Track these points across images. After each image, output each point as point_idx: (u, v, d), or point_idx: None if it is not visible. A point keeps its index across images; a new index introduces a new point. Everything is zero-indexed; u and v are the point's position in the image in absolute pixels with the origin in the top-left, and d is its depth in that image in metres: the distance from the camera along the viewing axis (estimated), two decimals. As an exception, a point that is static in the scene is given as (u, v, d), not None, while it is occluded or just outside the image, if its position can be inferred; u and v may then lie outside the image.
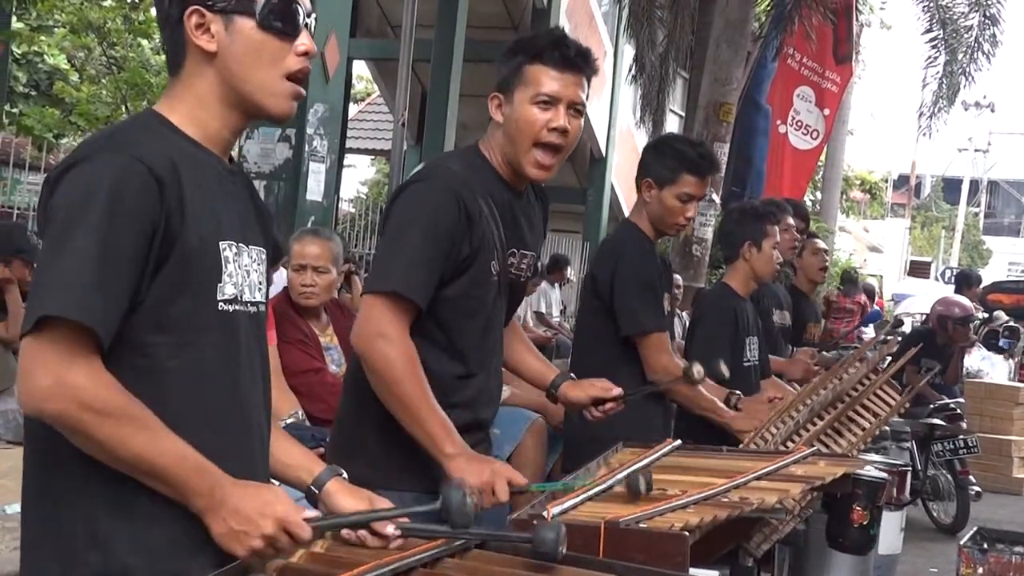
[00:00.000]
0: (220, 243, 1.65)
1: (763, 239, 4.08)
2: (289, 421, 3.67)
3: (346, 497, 1.81)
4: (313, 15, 1.75)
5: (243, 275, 1.70)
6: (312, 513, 1.60)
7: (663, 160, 3.34)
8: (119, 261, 1.52)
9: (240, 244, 1.70)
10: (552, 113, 2.35)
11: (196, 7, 1.66)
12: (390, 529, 1.67)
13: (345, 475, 1.88)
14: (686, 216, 3.34)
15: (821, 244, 5.80)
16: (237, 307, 1.69)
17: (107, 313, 1.51)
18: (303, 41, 1.71)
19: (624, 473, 2.25)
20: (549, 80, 2.34)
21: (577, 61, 2.38)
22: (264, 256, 1.79)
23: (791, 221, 4.78)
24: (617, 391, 2.70)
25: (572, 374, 2.80)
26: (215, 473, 1.57)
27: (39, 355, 1.49)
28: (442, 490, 1.65)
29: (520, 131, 2.36)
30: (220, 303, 1.65)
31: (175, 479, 1.54)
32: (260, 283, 1.77)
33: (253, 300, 1.74)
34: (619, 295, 3.30)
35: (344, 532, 1.69)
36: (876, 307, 15.88)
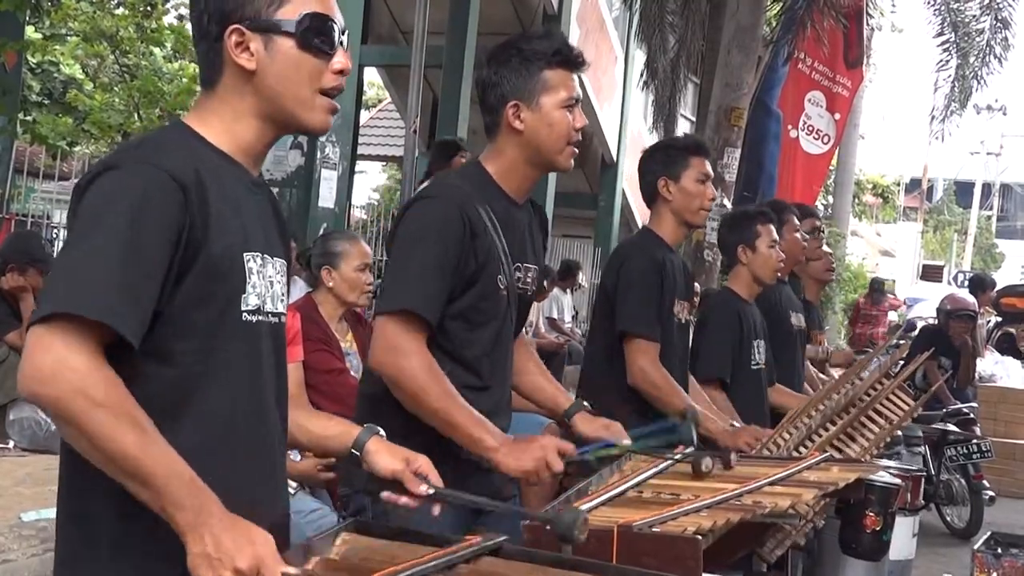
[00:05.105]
0: (245, 254, 1.66)
1: (756, 240, 4.10)
2: None
3: (385, 456, 1.92)
4: (347, 32, 1.77)
5: (266, 286, 1.72)
6: (292, 571, 1.52)
7: (667, 156, 3.49)
8: (140, 264, 1.51)
9: (265, 255, 1.72)
10: (575, 113, 2.47)
11: (236, 26, 1.67)
12: (423, 488, 1.83)
13: (383, 433, 1.97)
14: (709, 197, 3.45)
15: (825, 247, 5.71)
16: (260, 318, 1.70)
17: (124, 309, 1.49)
18: (339, 59, 1.74)
19: (655, 470, 2.29)
20: (570, 83, 2.47)
21: (582, 60, 2.50)
22: (286, 268, 1.82)
23: (797, 223, 4.68)
24: (625, 442, 2.65)
25: (586, 403, 2.79)
26: (208, 495, 1.52)
27: (43, 340, 1.46)
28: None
29: (556, 135, 2.46)
30: (244, 313, 1.66)
31: (160, 486, 1.47)
32: (282, 294, 1.79)
33: (275, 311, 1.75)
34: (620, 298, 3.34)
35: (384, 495, 1.89)
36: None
